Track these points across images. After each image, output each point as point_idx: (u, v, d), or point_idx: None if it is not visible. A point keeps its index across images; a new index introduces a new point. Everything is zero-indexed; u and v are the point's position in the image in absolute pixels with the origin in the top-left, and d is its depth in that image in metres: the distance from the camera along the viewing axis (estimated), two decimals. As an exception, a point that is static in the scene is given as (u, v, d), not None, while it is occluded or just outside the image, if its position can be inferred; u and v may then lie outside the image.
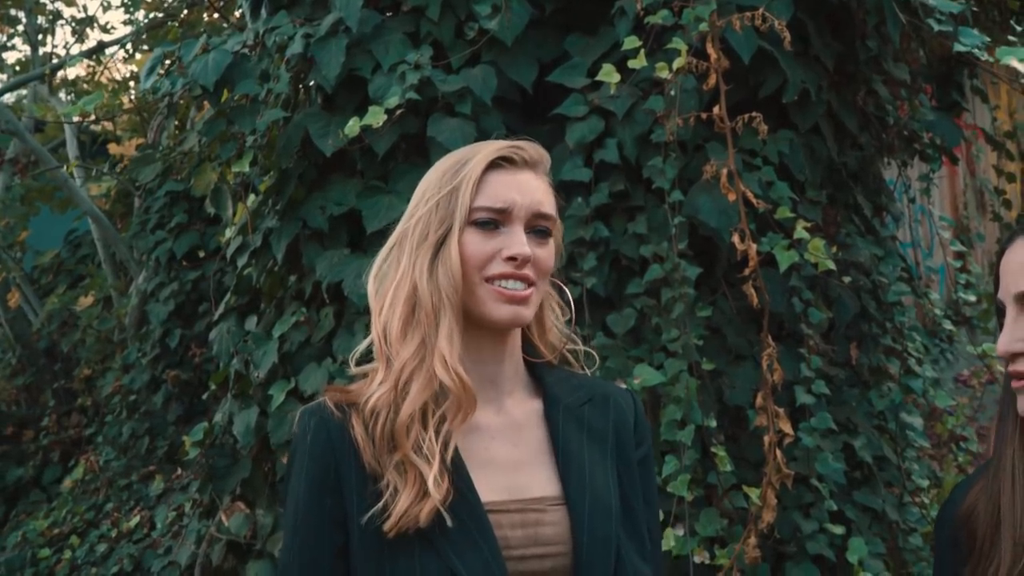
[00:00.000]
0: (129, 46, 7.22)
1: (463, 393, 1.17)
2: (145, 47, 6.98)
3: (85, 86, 7.58)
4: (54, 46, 14.18)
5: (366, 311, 2.04)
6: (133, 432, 5.26)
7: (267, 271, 3.08)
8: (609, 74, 2.59)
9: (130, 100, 6.47)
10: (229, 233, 3.32)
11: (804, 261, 2.54)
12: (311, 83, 2.95)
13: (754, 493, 2.39)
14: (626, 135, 2.62)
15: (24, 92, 7.42)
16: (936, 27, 2.86)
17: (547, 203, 1.25)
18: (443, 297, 1.19)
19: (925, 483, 3.05)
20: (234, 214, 3.35)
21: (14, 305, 6.49)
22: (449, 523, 1.13)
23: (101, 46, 7.08)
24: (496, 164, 1.24)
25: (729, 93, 2.49)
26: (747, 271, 2.41)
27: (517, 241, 1.21)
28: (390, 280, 1.24)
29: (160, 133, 5.56)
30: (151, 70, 3.05)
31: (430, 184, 1.26)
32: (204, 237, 5.12)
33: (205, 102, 3.16)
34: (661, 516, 2.07)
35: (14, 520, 5.56)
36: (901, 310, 3.11)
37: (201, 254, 5.18)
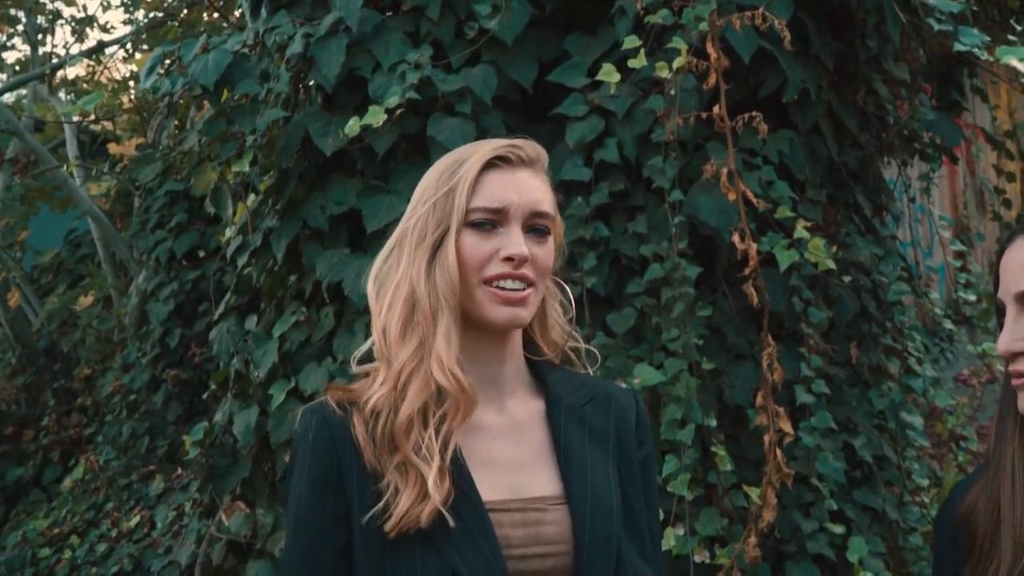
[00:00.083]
0: (129, 46, 7.21)
1: (460, 394, 1.17)
2: (145, 47, 6.98)
3: (85, 86, 7.56)
4: (54, 46, 14.15)
5: (366, 311, 2.04)
6: (133, 432, 5.26)
7: (267, 271, 3.08)
8: (609, 74, 2.59)
9: (130, 100, 6.45)
10: (229, 233, 3.32)
11: (804, 260, 2.54)
12: (311, 83, 2.95)
13: (754, 492, 2.39)
14: (626, 134, 2.62)
15: (24, 92, 7.39)
16: (936, 26, 2.86)
17: (545, 202, 1.24)
18: (441, 299, 1.19)
19: (925, 482, 3.06)
20: (234, 214, 3.35)
21: (14, 305, 6.49)
22: (451, 523, 1.13)
23: (101, 46, 7.07)
24: (492, 164, 1.23)
25: (729, 92, 2.49)
26: (747, 270, 2.42)
27: (514, 241, 1.20)
28: (390, 281, 1.24)
29: (160, 133, 5.55)
30: (151, 70, 3.05)
31: (428, 185, 1.25)
32: (204, 237, 5.12)
33: (205, 102, 3.15)
34: (661, 515, 2.07)
35: (14, 520, 5.55)
36: (901, 309, 3.11)
37: (201, 254, 5.17)
